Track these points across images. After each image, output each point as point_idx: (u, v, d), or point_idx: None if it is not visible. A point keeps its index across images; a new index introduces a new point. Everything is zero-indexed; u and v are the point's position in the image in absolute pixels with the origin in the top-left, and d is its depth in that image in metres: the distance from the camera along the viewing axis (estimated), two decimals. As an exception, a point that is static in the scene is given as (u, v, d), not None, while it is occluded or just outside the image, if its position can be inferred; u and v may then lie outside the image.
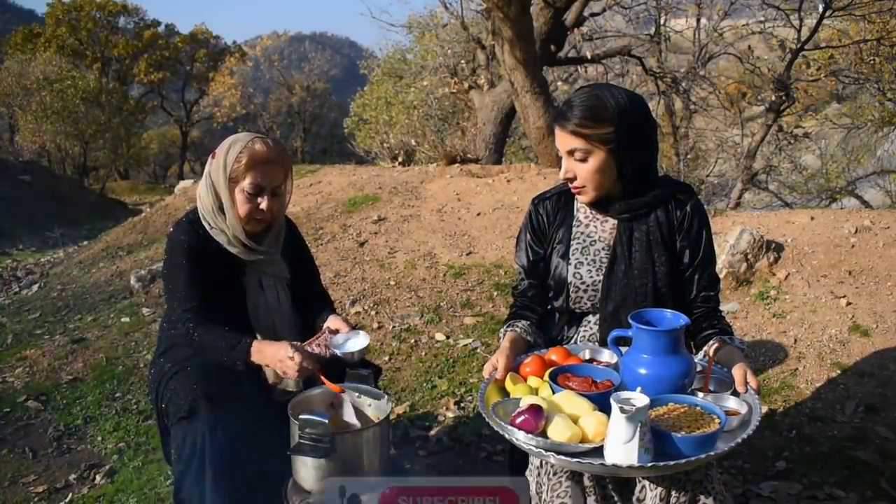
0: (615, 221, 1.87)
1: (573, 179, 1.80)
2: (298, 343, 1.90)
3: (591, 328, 1.91)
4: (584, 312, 1.91)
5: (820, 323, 3.28)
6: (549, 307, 1.97)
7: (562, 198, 1.95)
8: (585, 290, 1.86)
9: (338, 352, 1.92)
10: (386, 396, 1.95)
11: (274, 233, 2.08)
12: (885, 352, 3.03)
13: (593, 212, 1.90)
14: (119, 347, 3.74)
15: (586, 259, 1.87)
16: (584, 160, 1.76)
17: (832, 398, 2.84)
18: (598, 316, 1.88)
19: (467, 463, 2.59)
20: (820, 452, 2.53)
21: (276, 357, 1.86)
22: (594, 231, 1.89)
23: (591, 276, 1.86)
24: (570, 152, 1.77)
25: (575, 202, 1.93)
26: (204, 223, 1.99)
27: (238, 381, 1.95)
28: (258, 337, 2.00)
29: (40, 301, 4.73)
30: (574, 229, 1.91)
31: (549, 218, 1.94)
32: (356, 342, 1.94)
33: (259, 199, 1.94)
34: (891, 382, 2.86)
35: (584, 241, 1.89)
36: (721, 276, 3.49)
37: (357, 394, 1.99)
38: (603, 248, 1.87)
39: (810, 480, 2.37)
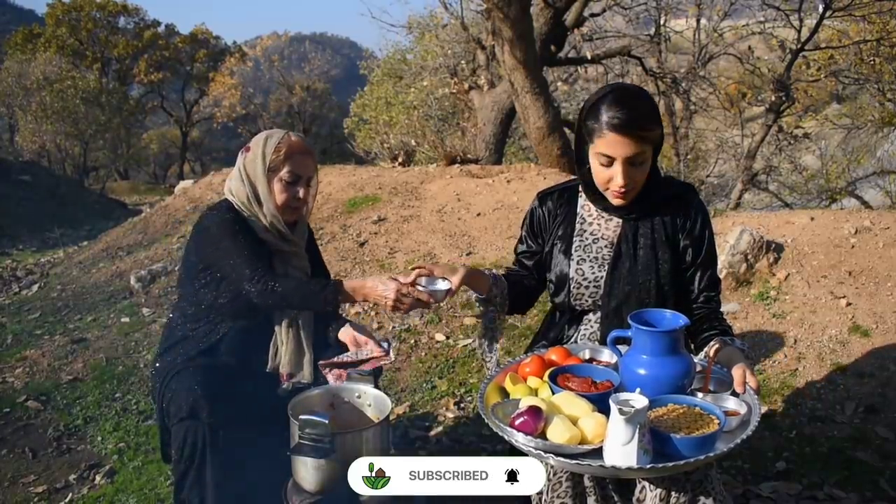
0: (619, 220, 1.88)
1: (628, 184, 1.75)
2: (393, 277, 1.88)
3: (591, 326, 1.91)
4: (584, 310, 1.91)
5: (820, 323, 3.28)
6: (550, 303, 1.98)
7: (565, 194, 1.95)
8: (587, 287, 1.87)
9: (428, 288, 1.86)
10: (386, 396, 1.96)
11: (302, 224, 2.16)
12: (885, 352, 3.03)
13: (598, 210, 1.90)
14: (119, 347, 3.74)
15: (588, 256, 1.87)
16: (641, 164, 1.75)
17: (832, 398, 2.84)
18: (598, 314, 1.89)
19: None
20: (820, 453, 2.53)
21: (376, 290, 1.85)
22: (597, 229, 1.89)
23: (594, 273, 1.86)
24: (631, 158, 1.72)
25: (579, 199, 1.93)
26: (241, 210, 2.04)
27: (239, 381, 1.95)
28: (279, 332, 2.05)
29: (40, 301, 4.73)
30: (577, 226, 1.91)
31: (552, 214, 1.94)
32: (442, 283, 1.90)
33: (297, 188, 2.03)
34: (891, 383, 2.86)
35: (587, 238, 1.89)
36: (721, 276, 3.49)
37: (357, 394, 1.99)
38: (605, 246, 1.87)
39: (810, 481, 2.37)
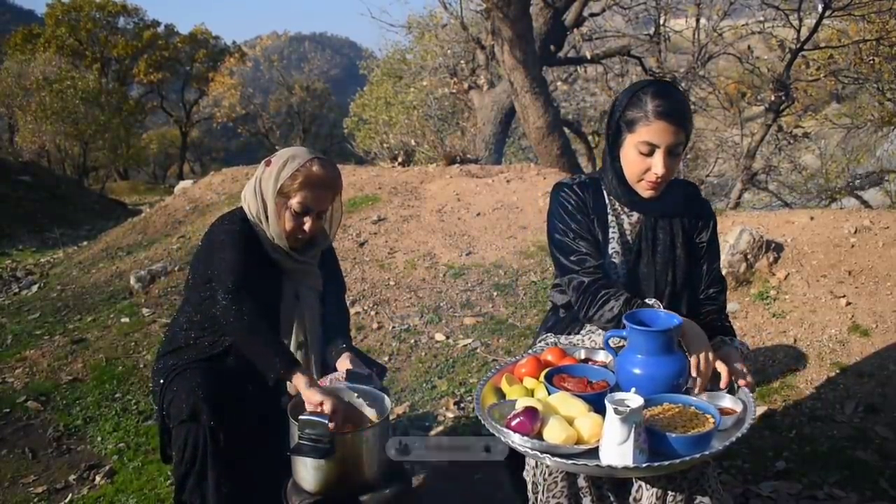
0: (639, 216, 1.89)
1: (664, 174, 1.76)
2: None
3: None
4: None
5: (820, 323, 3.28)
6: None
7: (591, 186, 1.92)
8: (616, 280, 1.88)
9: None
10: (386, 396, 1.95)
11: (318, 248, 2.11)
12: (885, 352, 3.03)
13: (620, 205, 1.90)
14: (119, 348, 3.74)
15: (619, 248, 1.89)
16: (679, 154, 1.78)
17: (832, 398, 2.85)
18: None
19: (467, 463, 2.59)
20: (820, 452, 2.53)
21: (312, 400, 1.78)
22: (623, 223, 1.91)
23: (623, 268, 1.88)
24: (673, 147, 1.75)
25: (604, 194, 1.92)
26: (252, 222, 2.00)
27: (240, 383, 1.95)
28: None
29: (40, 301, 4.73)
30: (609, 218, 1.91)
31: (583, 202, 1.90)
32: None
33: (304, 220, 1.95)
34: (890, 382, 2.86)
35: (618, 231, 1.90)
36: (720, 276, 3.49)
37: (357, 394, 1.99)
38: (625, 242, 1.89)
39: (810, 480, 2.37)
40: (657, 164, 1.74)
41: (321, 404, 1.75)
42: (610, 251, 1.88)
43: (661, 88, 1.77)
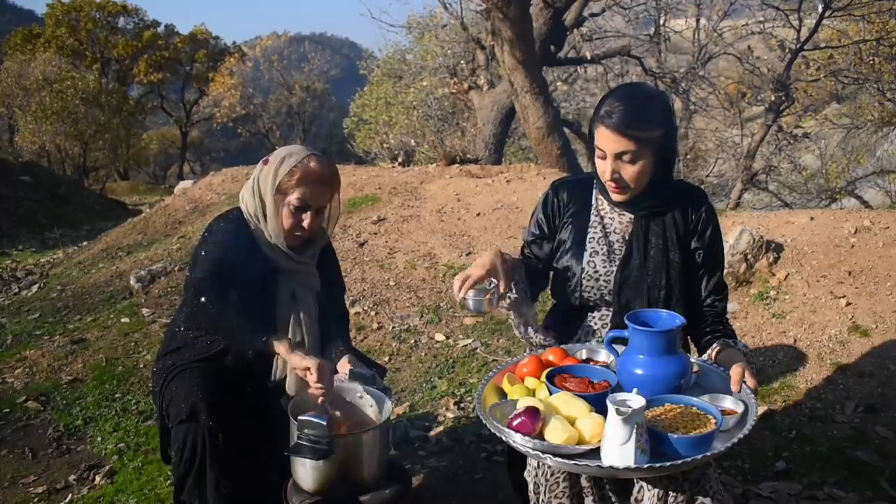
0: (632, 216, 1.88)
1: (617, 179, 1.78)
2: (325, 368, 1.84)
3: (596, 322, 1.92)
4: (592, 306, 1.91)
5: (820, 323, 3.28)
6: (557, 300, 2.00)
7: (580, 185, 1.95)
8: (597, 280, 1.87)
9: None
10: (387, 398, 1.95)
11: (316, 247, 2.09)
12: (885, 352, 3.03)
13: (611, 205, 1.90)
14: (119, 348, 3.74)
15: (601, 249, 1.88)
16: (632, 162, 1.75)
17: (832, 398, 2.85)
18: (602, 311, 1.90)
19: (467, 463, 2.59)
20: (820, 452, 2.53)
21: (300, 365, 1.82)
22: (610, 223, 1.90)
23: (605, 267, 1.87)
24: (619, 154, 1.74)
25: (594, 192, 1.93)
26: (249, 222, 1.99)
27: (239, 382, 1.95)
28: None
29: (40, 302, 4.72)
30: (592, 218, 1.91)
31: (565, 202, 1.95)
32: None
33: (303, 216, 1.95)
34: (890, 382, 2.86)
35: (601, 231, 1.89)
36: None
37: (358, 394, 1.99)
38: (617, 241, 1.88)
39: (810, 480, 2.37)
40: (606, 168, 1.77)
41: (307, 370, 1.78)
42: (588, 251, 1.87)
43: (621, 93, 1.78)
